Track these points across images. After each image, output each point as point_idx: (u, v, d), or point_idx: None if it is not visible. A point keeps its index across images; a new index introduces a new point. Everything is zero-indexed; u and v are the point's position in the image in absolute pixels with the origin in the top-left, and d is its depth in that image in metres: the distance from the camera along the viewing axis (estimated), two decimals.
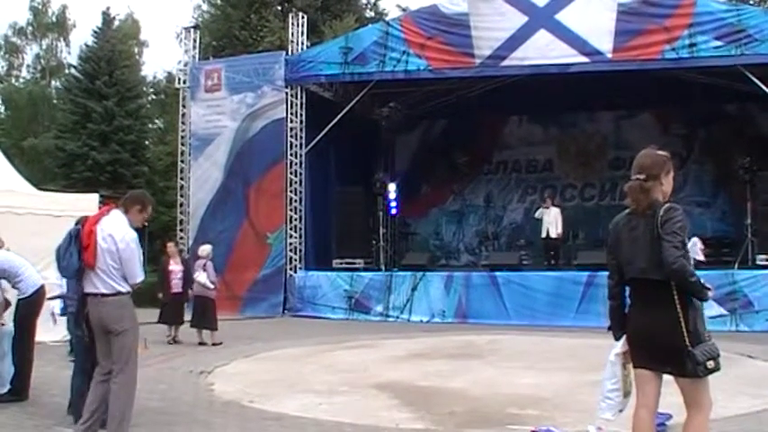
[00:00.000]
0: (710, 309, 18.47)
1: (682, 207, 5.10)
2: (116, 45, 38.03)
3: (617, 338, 5.42)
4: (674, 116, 26.72)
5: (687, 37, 19.95)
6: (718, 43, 19.80)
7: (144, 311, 8.82)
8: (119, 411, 6.82)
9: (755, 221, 21.34)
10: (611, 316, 5.40)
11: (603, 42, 20.56)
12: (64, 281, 8.48)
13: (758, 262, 20.27)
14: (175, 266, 16.29)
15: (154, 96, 47.01)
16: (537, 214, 24.23)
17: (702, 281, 4.95)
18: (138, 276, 7.00)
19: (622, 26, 20.36)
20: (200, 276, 15.95)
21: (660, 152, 5.30)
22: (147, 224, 7.84)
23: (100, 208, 8.82)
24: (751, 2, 34.89)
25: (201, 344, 15.55)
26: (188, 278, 16.16)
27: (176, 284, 16.06)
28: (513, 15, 21.33)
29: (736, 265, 20.61)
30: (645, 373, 5.14)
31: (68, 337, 8.51)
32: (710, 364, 4.82)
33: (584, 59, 20.83)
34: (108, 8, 38.45)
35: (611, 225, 5.39)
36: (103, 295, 6.88)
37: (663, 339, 4.93)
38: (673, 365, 4.94)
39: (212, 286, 16.11)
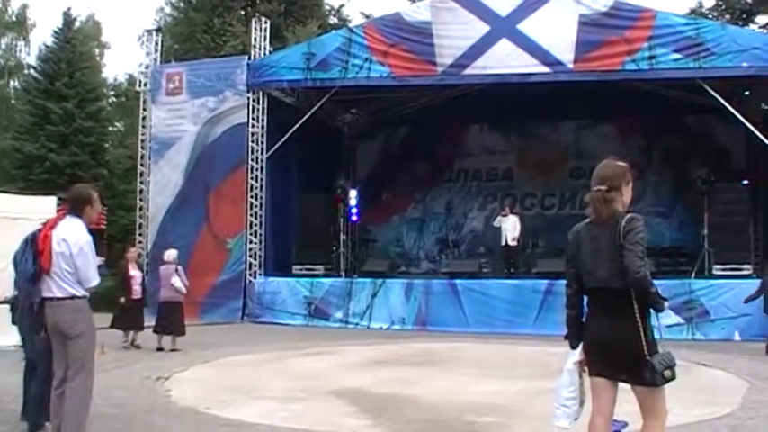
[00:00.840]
0: (667, 318, 18.70)
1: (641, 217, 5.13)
2: (77, 46, 37.50)
3: (574, 347, 5.38)
4: (634, 127, 27.04)
5: (647, 49, 20.22)
6: (678, 56, 20.07)
7: (102, 316, 8.73)
8: (74, 417, 6.76)
9: (712, 232, 21.63)
10: (569, 324, 5.40)
11: (565, 53, 20.74)
12: None
13: (714, 272, 20.60)
14: (136, 272, 16.23)
15: (114, 99, 46.45)
16: (495, 222, 24.28)
17: (660, 291, 4.98)
18: (93, 280, 6.93)
19: (584, 37, 20.55)
20: (177, 281, 15.80)
21: (620, 163, 5.32)
22: (104, 226, 7.76)
23: (57, 211, 8.72)
24: (709, 16, 35.32)
25: (159, 349, 15.43)
26: (146, 284, 16.13)
27: (137, 290, 15.98)
28: (475, 24, 21.45)
29: (693, 275, 20.91)
30: (601, 381, 5.14)
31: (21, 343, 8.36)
32: (668, 373, 4.86)
33: (546, 69, 21.00)
34: (69, 9, 37.72)
35: (570, 234, 5.39)
36: (59, 299, 6.83)
37: (622, 348, 4.94)
38: (630, 374, 4.96)
39: (185, 291, 16.03)
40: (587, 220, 5.29)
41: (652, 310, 5.04)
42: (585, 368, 5.28)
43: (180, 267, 16.21)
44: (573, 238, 5.34)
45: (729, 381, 11.99)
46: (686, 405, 9.12)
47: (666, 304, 5.10)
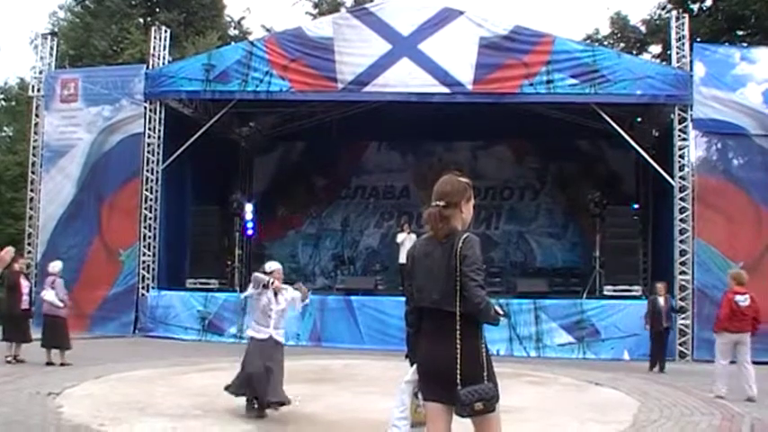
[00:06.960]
0: (559, 337, 19.26)
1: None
2: None
3: (413, 365, 5.22)
4: (529, 149, 27.52)
5: (545, 73, 20.60)
6: (574, 81, 20.53)
7: None
8: None
9: (603, 253, 22.22)
10: (409, 343, 5.19)
11: (464, 74, 20.97)
12: None
13: (605, 293, 21.10)
14: (25, 282, 15.81)
15: (4, 103, 45.28)
16: (399, 239, 24.21)
17: (497, 308, 4.77)
18: None
19: (483, 59, 20.83)
20: (48, 294, 15.37)
21: (461, 179, 5.12)
22: None
23: None
24: (605, 44, 36.31)
25: (49, 364, 14.99)
26: (32, 294, 15.85)
27: (26, 301, 15.62)
28: (376, 42, 21.54)
29: (585, 295, 21.40)
30: (432, 406, 4.89)
31: None
32: (478, 406, 4.61)
33: (445, 90, 21.18)
34: None
35: (409, 250, 5.20)
36: None
37: (442, 373, 4.73)
38: (453, 401, 4.73)
39: (61, 305, 15.50)
40: (425, 236, 5.09)
41: (485, 333, 4.84)
42: (417, 389, 5.09)
43: (58, 280, 15.75)
44: (411, 255, 5.13)
45: (621, 399, 12.25)
46: (580, 423, 9.30)
47: (503, 320, 4.90)
